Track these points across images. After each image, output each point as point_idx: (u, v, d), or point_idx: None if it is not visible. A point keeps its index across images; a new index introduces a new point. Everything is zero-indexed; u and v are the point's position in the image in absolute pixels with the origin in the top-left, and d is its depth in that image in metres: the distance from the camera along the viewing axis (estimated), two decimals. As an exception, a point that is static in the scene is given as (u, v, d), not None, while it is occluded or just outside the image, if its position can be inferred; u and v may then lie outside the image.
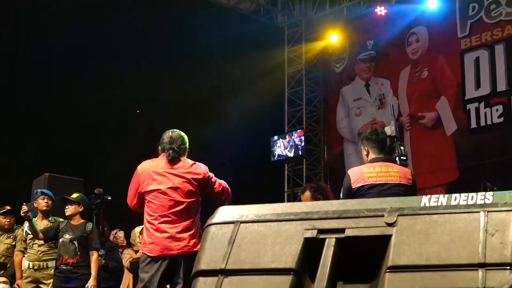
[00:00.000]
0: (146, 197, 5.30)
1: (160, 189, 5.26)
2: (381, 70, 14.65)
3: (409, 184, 5.30)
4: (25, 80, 12.82)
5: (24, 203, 7.77)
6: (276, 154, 15.19)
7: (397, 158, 5.67)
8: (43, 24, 12.58)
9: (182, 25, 13.92)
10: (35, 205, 8.13)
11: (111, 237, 9.56)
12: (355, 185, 5.31)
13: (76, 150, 13.01)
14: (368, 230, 2.04)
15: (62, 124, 13.26)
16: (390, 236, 2.00)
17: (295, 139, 14.94)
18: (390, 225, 2.02)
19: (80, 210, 7.69)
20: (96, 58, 13.32)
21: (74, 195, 7.79)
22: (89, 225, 7.61)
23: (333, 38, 15.26)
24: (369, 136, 5.54)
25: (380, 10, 14.18)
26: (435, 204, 2.05)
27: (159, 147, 5.46)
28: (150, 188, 5.28)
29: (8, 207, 8.72)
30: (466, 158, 12.76)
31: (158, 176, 5.29)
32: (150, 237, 5.20)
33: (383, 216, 2.05)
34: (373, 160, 5.45)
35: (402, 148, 5.82)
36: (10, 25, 12.44)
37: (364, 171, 5.34)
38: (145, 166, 5.38)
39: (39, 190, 8.26)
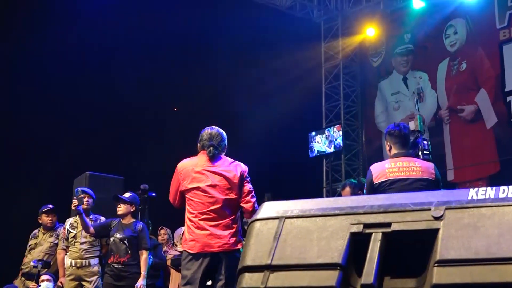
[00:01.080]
0: (186, 195, 5.32)
1: (199, 187, 5.26)
2: (419, 64, 14.53)
3: (432, 178, 5.26)
4: (61, 80, 12.96)
5: (74, 197, 7.86)
6: (315, 150, 15.16)
7: (420, 153, 5.68)
8: (75, 24, 12.73)
9: (218, 23, 13.96)
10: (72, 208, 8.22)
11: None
12: (377, 180, 5.33)
13: (116, 148, 13.14)
14: (415, 224, 2.02)
15: (102, 123, 13.39)
16: (437, 230, 1.97)
17: (333, 134, 14.90)
18: (437, 218, 1.99)
19: (132, 210, 7.75)
20: (133, 57, 13.42)
21: (127, 194, 7.85)
22: (140, 225, 7.67)
23: (370, 32, 15.19)
24: (391, 132, 5.54)
25: (418, 3, 14.07)
26: (482, 197, 2.01)
27: (198, 145, 5.46)
28: (190, 186, 5.29)
29: (51, 206, 8.85)
30: (507, 151, 12.60)
31: (197, 174, 5.30)
32: (191, 234, 5.21)
33: (430, 209, 2.02)
34: (395, 156, 5.44)
35: (425, 142, 5.90)
36: (50, 26, 12.59)
37: (386, 167, 5.36)
38: (185, 164, 5.39)
39: (79, 188, 8.35)
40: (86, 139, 13.09)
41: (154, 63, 13.76)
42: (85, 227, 7.78)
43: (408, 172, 5.29)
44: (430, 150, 5.86)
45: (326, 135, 15.04)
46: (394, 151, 5.47)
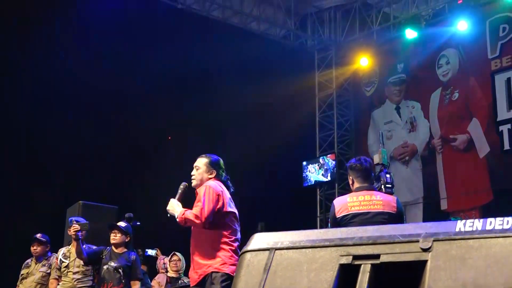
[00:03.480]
0: (225, 219, 5.39)
1: (235, 213, 5.46)
2: (412, 93, 14.62)
3: (393, 212, 5.29)
4: (55, 108, 12.98)
5: (75, 221, 7.81)
6: (308, 179, 15.19)
7: (382, 186, 5.75)
8: (72, 53, 12.79)
9: (213, 52, 14.03)
10: (69, 233, 8.18)
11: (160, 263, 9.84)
12: (339, 214, 5.35)
13: (109, 177, 13.11)
14: (403, 256, 2.04)
15: (95, 152, 13.38)
16: (425, 261, 1.99)
17: (329, 163, 14.95)
18: (426, 250, 2.01)
19: (126, 240, 7.72)
20: (127, 87, 13.45)
21: (122, 224, 7.82)
22: (133, 255, 7.64)
23: (364, 62, 15.29)
24: (352, 166, 5.55)
25: (410, 33, 14.18)
26: (470, 229, 2.04)
27: (215, 172, 5.56)
28: (230, 210, 5.41)
29: (38, 235, 8.79)
30: (500, 180, 12.64)
31: (230, 201, 5.50)
32: (231, 258, 5.28)
33: (418, 241, 2.05)
34: (357, 189, 5.44)
35: (388, 176, 5.94)
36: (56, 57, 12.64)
37: (348, 201, 5.37)
38: (222, 187, 5.49)
39: (73, 218, 8.31)
40: (80, 167, 13.08)
41: (149, 91, 13.79)
42: (79, 253, 7.73)
43: (369, 206, 5.31)
44: (393, 183, 5.92)
45: (320, 164, 15.08)
46: (356, 185, 5.48)
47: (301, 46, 16.16)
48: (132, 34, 13.52)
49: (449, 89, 13.80)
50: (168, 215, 5.44)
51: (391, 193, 5.71)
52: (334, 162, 14.93)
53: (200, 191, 5.39)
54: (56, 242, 8.98)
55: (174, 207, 5.42)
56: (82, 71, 12.59)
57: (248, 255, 2.20)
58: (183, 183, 5.62)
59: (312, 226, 14.05)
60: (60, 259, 8.20)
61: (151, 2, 13.88)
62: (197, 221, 5.23)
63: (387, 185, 5.83)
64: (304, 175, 15.27)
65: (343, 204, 5.38)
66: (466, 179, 13.22)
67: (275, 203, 14.71)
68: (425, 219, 13.10)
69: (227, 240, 5.34)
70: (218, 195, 5.35)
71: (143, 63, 13.65)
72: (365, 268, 2.05)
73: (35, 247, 8.73)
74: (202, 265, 5.32)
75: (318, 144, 15.99)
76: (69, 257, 8.12)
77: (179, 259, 9.69)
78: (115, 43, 13.07)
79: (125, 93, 13.37)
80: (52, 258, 8.67)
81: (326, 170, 15.00)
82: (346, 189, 15.28)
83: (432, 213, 13.23)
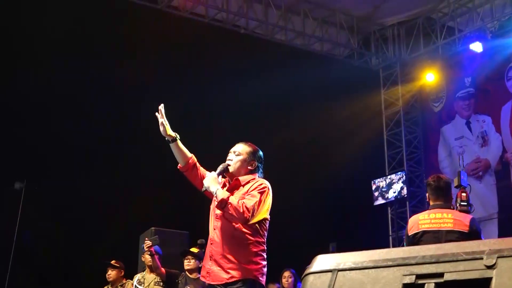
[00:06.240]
0: (264, 222, 4.80)
1: (268, 220, 4.89)
2: (481, 107, 14.37)
3: (465, 231, 5.27)
4: (135, 138, 13.25)
5: (146, 238, 7.98)
6: (378, 198, 15.07)
7: (458, 205, 5.73)
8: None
9: (276, 74, 14.10)
10: (143, 259, 8.34)
11: None
12: (410, 232, 5.46)
13: (180, 203, 13.28)
14: (467, 274, 2.02)
15: (164, 179, 13.58)
16: (490, 279, 1.97)
17: (396, 182, 14.80)
18: (490, 267, 1.99)
19: (200, 265, 7.79)
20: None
21: (195, 250, 7.93)
22: None
23: (430, 77, 15.13)
24: (429, 183, 5.65)
25: (476, 46, 13.97)
26: (535, 244, 2.01)
27: (259, 166, 5.07)
28: (268, 215, 4.86)
29: (112, 261, 8.99)
30: None
31: None
32: (263, 262, 4.77)
33: (482, 258, 2.03)
34: (431, 207, 5.53)
35: (464, 194, 5.89)
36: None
37: (420, 218, 5.46)
38: None
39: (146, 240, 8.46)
40: (151, 194, 13.28)
41: (220, 119, 13.93)
42: (156, 268, 7.87)
43: (439, 224, 5.35)
44: (469, 201, 5.86)
45: (389, 182, 14.95)
46: (431, 202, 5.58)
47: (365, 64, 16.10)
48: (200, 64, 13.73)
49: (520, 101, 13.54)
50: (204, 188, 4.75)
51: (467, 212, 5.68)
52: (404, 180, 14.77)
53: (255, 184, 4.81)
54: (131, 268, 9.16)
55: (214, 182, 4.72)
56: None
57: (311, 277, 2.22)
58: (224, 164, 4.94)
59: (384, 245, 13.90)
60: (135, 285, 8.35)
61: (215, 29, 14.04)
62: (245, 215, 4.55)
63: (462, 203, 5.81)
64: (373, 193, 15.15)
65: (414, 222, 5.48)
66: (542, 192, 12.91)
67: (346, 223, 14.65)
68: (500, 235, 12.79)
69: (260, 241, 4.77)
70: (270, 194, 4.82)
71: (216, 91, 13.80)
72: (429, 287, 2.04)
73: (109, 273, 8.95)
74: (239, 266, 4.66)
75: (387, 162, 15.86)
76: (143, 283, 8.27)
77: (291, 276, 9.22)
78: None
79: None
80: (127, 284, 8.84)
81: (396, 188, 14.86)
82: (418, 207, 15.12)
83: (508, 228, 12.91)
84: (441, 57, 15.05)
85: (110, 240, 12.16)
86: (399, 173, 15.04)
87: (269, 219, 4.84)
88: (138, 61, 13.03)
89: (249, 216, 4.56)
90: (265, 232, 4.80)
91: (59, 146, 12.67)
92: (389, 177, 15.14)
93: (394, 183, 14.91)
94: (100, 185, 12.93)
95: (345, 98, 14.62)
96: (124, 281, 8.97)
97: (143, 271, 8.50)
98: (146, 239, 7.99)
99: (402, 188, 14.81)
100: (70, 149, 12.95)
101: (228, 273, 4.66)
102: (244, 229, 4.68)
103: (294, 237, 13.05)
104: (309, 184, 14.10)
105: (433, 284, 2.04)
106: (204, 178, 4.87)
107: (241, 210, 4.53)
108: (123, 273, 9.05)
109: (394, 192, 14.90)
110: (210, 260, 4.77)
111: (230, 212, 4.56)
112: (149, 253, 7.99)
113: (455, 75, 15.00)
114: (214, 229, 4.81)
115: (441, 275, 2.05)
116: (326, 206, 14.50)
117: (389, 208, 15.45)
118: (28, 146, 12.47)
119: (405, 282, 2.08)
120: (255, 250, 4.71)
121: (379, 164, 15.82)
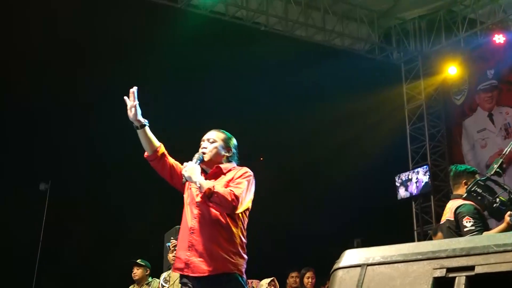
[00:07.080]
0: (245, 213, 4.57)
1: (249, 210, 4.64)
2: (504, 99, 14.23)
3: (451, 218, 5.34)
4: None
5: (172, 238, 8.00)
6: (402, 192, 14.99)
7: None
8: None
9: (299, 71, 14.09)
10: (168, 258, 8.35)
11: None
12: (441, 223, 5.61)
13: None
14: (499, 266, 2.00)
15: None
16: (522, 271, 1.95)
17: (420, 176, 14.72)
18: (521, 260, 1.98)
19: None
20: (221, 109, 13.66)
21: None
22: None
23: (452, 70, 15.03)
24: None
25: (499, 38, 13.85)
26: None
27: (234, 153, 4.89)
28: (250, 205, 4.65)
29: (137, 260, 9.04)
30: None
31: None
32: (246, 256, 4.50)
33: (512, 251, 2.01)
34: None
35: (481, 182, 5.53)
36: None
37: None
38: None
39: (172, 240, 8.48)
40: (177, 192, 13.30)
41: (234, 109, 13.93)
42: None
43: (445, 215, 5.48)
44: (474, 189, 4.91)
45: (413, 177, 14.87)
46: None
47: (387, 59, 16.02)
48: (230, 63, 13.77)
49: (544, 92, 13.42)
50: (184, 180, 4.45)
51: (470, 199, 5.03)
52: (428, 174, 14.68)
53: (240, 171, 4.59)
54: (156, 267, 9.18)
55: (194, 172, 4.38)
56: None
57: (340, 272, 2.21)
58: (198, 153, 4.64)
59: (409, 239, 13.84)
60: (161, 284, 8.37)
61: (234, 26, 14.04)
62: (234, 203, 4.28)
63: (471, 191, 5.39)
64: (397, 188, 15.07)
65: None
66: None
67: (370, 218, 14.59)
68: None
69: (242, 235, 4.48)
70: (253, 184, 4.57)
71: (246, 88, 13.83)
72: (460, 281, 2.02)
73: (134, 271, 8.99)
74: (222, 258, 4.35)
75: (410, 156, 15.77)
76: (169, 281, 8.28)
77: (313, 276, 9.05)
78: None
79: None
80: (153, 282, 8.87)
81: (420, 183, 14.77)
82: (442, 201, 15.01)
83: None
84: (463, 50, 14.93)
85: (135, 239, 12.22)
86: (423, 167, 14.94)
87: (250, 209, 4.59)
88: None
89: (237, 204, 4.30)
90: (245, 225, 4.54)
91: (83, 147, 12.76)
92: (413, 171, 15.05)
93: (418, 177, 14.83)
94: (125, 184, 13.00)
95: (367, 93, 14.57)
96: (149, 280, 9.01)
97: (169, 269, 8.51)
98: (172, 238, 8.01)
99: (426, 183, 14.72)
100: (93, 150, 13.02)
101: (211, 265, 4.33)
102: (228, 218, 4.41)
103: (317, 233, 13.03)
104: (331, 180, 14.08)
105: (464, 277, 2.02)
106: (173, 168, 4.69)
107: (229, 199, 4.28)
108: (148, 272, 9.09)
109: (418, 187, 14.82)
110: (189, 250, 4.40)
111: (217, 202, 4.29)
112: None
113: (477, 67, 14.88)
114: (194, 218, 4.49)
115: (472, 268, 2.03)
116: (350, 201, 14.46)
117: (413, 202, 15.35)
118: (53, 147, 12.55)
119: (436, 275, 2.06)
120: (238, 242, 4.43)
121: (402, 159, 15.73)
